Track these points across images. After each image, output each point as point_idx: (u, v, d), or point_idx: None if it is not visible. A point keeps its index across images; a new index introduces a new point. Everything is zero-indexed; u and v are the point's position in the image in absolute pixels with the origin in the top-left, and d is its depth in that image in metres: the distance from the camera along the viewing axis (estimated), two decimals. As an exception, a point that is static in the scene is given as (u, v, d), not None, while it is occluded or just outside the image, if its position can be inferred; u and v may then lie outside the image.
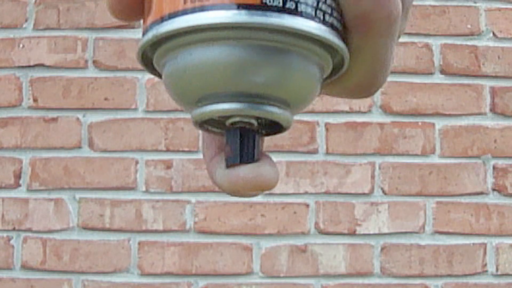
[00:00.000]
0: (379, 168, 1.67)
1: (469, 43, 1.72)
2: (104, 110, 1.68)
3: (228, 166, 0.30)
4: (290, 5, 0.28)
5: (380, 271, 1.65)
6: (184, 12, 0.28)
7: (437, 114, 1.70)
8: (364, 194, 1.67)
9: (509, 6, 1.73)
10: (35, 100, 1.68)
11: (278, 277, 1.65)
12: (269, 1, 0.27)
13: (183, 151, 1.67)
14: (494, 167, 1.68)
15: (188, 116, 1.68)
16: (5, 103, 1.69)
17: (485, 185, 1.67)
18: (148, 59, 0.31)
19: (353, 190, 1.67)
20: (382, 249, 1.66)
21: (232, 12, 0.27)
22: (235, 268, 1.65)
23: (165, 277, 1.65)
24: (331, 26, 0.29)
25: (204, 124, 0.31)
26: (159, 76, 0.32)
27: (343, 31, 0.30)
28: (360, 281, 1.65)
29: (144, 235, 1.66)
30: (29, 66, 1.69)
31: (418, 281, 1.65)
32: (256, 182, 0.29)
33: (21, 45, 1.70)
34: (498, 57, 1.71)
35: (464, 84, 1.70)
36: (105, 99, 1.68)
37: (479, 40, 1.72)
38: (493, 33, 1.72)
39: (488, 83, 1.70)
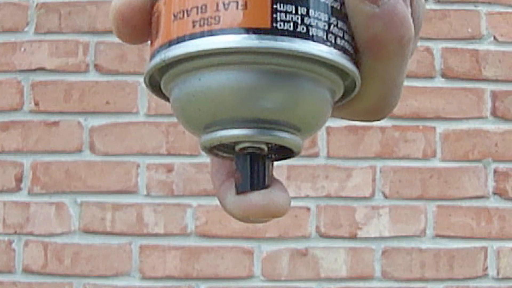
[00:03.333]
0: (380, 171, 1.68)
1: (470, 47, 1.72)
2: (105, 114, 1.68)
3: (238, 192, 0.29)
4: (301, 29, 0.27)
5: (381, 275, 1.65)
6: (193, 36, 0.27)
7: (438, 118, 1.70)
8: (365, 197, 1.67)
9: (510, 10, 1.73)
10: (36, 104, 1.68)
11: (279, 280, 1.65)
12: (280, 25, 0.27)
13: (184, 155, 1.67)
14: (495, 171, 1.68)
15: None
16: (6, 106, 1.69)
17: (486, 189, 1.68)
18: (155, 82, 0.31)
19: (354, 194, 1.67)
20: (383, 252, 1.66)
21: (241, 37, 0.27)
22: (236, 272, 1.65)
23: (166, 280, 1.65)
24: (343, 49, 0.28)
25: (213, 149, 0.31)
26: (167, 99, 0.31)
27: (354, 54, 0.29)
28: (361, 284, 1.65)
29: (145, 238, 1.66)
30: (31, 70, 1.69)
31: (419, 285, 1.65)
32: (267, 209, 0.28)
33: (22, 49, 1.70)
34: (499, 61, 1.71)
35: (465, 88, 1.71)
36: (107, 103, 1.69)
37: (480, 44, 1.72)
38: (494, 37, 1.72)
39: (489, 87, 1.71)
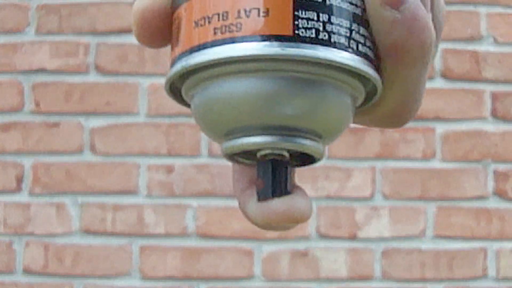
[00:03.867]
0: (380, 172, 1.68)
1: (470, 47, 1.72)
2: (105, 115, 1.68)
3: (260, 199, 0.29)
4: (323, 35, 0.27)
5: (381, 275, 1.66)
6: (214, 43, 0.27)
7: (438, 119, 1.70)
8: (365, 198, 1.67)
9: (509, 11, 1.73)
10: (37, 104, 1.69)
11: (280, 281, 1.65)
12: (302, 32, 0.27)
13: (184, 155, 1.67)
14: (494, 172, 1.68)
15: (189, 120, 1.68)
16: (7, 107, 1.69)
17: (486, 189, 1.68)
18: (176, 89, 0.31)
19: (354, 195, 1.67)
20: (383, 253, 1.66)
21: (263, 44, 0.27)
22: (236, 272, 1.65)
23: (167, 281, 1.65)
24: (365, 56, 0.28)
25: (235, 156, 0.31)
26: (188, 106, 0.31)
27: (376, 60, 0.29)
28: (361, 285, 1.65)
29: (146, 239, 1.66)
30: (31, 71, 1.70)
31: (419, 285, 1.66)
32: (289, 215, 0.29)
33: (23, 50, 1.70)
34: (499, 62, 1.72)
35: (464, 88, 1.71)
36: (107, 103, 1.69)
37: (480, 44, 1.72)
38: (494, 38, 1.72)
39: (488, 88, 1.71)
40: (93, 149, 1.68)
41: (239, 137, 0.29)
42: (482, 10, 1.73)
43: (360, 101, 0.30)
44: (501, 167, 1.69)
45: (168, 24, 0.30)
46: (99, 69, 1.70)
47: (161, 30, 0.30)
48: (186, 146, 1.68)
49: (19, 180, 1.67)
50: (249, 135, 0.28)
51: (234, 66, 0.27)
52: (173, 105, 1.69)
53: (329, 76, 0.28)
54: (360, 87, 0.29)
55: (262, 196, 0.29)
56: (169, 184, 1.67)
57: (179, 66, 0.28)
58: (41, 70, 1.70)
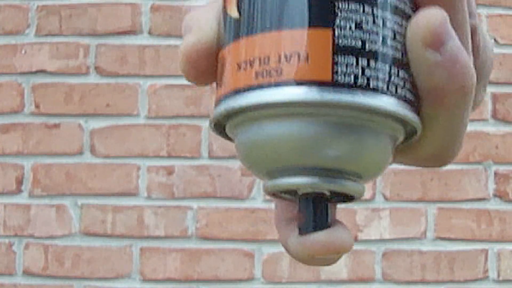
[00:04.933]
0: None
1: (471, 49, 1.72)
2: (106, 116, 1.68)
3: (301, 233, 0.30)
4: (361, 81, 0.28)
5: (382, 277, 1.66)
6: (255, 87, 0.28)
7: (439, 120, 1.70)
8: (365, 200, 1.67)
9: (510, 12, 1.73)
10: (37, 106, 1.69)
11: (280, 283, 1.65)
12: (341, 78, 0.28)
13: (185, 157, 1.67)
14: (495, 173, 1.68)
15: (189, 122, 1.68)
16: (7, 109, 1.69)
17: (487, 191, 1.68)
18: (221, 126, 0.32)
19: (354, 196, 1.67)
20: (383, 255, 1.66)
21: (302, 90, 0.28)
22: (236, 274, 1.65)
23: (167, 283, 1.65)
24: (403, 98, 0.29)
25: (277, 193, 0.32)
26: (232, 141, 0.33)
27: (416, 101, 0.30)
28: (361, 287, 1.65)
29: (146, 241, 1.66)
30: (31, 72, 1.69)
31: (419, 287, 1.66)
32: (331, 246, 0.29)
33: (23, 51, 1.70)
34: (500, 64, 1.71)
35: (465, 90, 1.71)
36: (107, 105, 1.69)
37: (481, 46, 1.72)
38: (495, 39, 1.72)
39: (489, 89, 1.71)
40: (93, 150, 1.68)
41: (280, 177, 0.30)
42: (483, 11, 1.73)
43: (400, 140, 0.31)
44: (502, 168, 1.68)
45: (214, 63, 0.31)
46: (99, 71, 1.69)
47: (207, 69, 0.31)
48: (186, 148, 1.68)
49: (19, 181, 1.67)
50: (290, 176, 0.29)
51: (274, 110, 0.28)
52: (173, 107, 1.69)
53: (368, 120, 0.29)
54: (399, 128, 0.30)
55: (304, 230, 0.30)
56: (169, 186, 1.67)
57: (222, 108, 0.29)
58: (41, 72, 1.70)
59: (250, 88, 0.28)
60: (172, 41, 1.70)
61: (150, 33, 1.70)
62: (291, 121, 0.28)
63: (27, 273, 1.65)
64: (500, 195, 1.68)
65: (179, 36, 1.70)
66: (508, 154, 1.69)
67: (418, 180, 1.68)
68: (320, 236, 0.29)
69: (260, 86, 0.28)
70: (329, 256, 0.30)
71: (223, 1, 0.31)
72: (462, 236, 1.67)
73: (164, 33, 1.70)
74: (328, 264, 0.31)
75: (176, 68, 1.69)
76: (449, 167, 1.68)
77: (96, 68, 1.70)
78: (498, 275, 1.66)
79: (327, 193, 0.30)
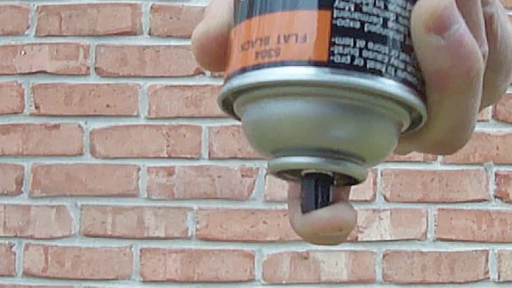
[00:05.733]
0: (381, 175, 1.67)
1: (471, 50, 1.72)
2: (106, 117, 1.68)
3: (303, 211, 0.30)
4: (358, 62, 0.28)
5: (382, 278, 1.65)
6: (255, 67, 0.29)
7: (439, 121, 1.70)
8: (366, 201, 1.67)
9: (511, 13, 1.73)
10: (37, 107, 1.68)
11: (280, 284, 1.65)
12: (337, 59, 0.28)
13: (185, 158, 1.67)
14: (496, 174, 1.68)
15: (190, 122, 1.68)
16: (7, 110, 1.69)
17: (487, 192, 1.67)
18: (229, 103, 0.32)
19: (355, 197, 1.67)
20: (384, 256, 1.66)
21: (298, 69, 0.28)
22: (237, 275, 1.65)
23: (167, 284, 1.65)
24: (404, 81, 0.29)
25: (280, 173, 0.32)
26: (239, 120, 0.33)
27: (420, 86, 0.29)
28: (362, 288, 1.65)
29: (146, 242, 1.66)
30: (31, 73, 1.69)
31: (420, 288, 1.66)
32: (333, 222, 0.29)
33: (23, 52, 1.70)
34: (500, 64, 1.71)
35: (466, 91, 1.70)
36: (107, 106, 1.69)
37: (481, 47, 1.72)
38: (495, 40, 1.72)
39: (490, 90, 1.70)
40: (93, 151, 1.67)
41: (284, 156, 0.30)
42: (484, 12, 1.72)
43: (405, 126, 0.31)
44: (503, 169, 1.68)
45: (225, 48, 0.31)
46: (99, 71, 1.69)
47: (218, 54, 0.31)
48: (186, 149, 1.67)
49: (19, 182, 1.67)
50: (294, 155, 0.30)
51: (272, 90, 0.29)
52: (173, 108, 1.68)
53: (368, 102, 0.29)
54: (403, 112, 0.30)
55: (305, 208, 0.30)
56: (170, 186, 1.67)
57: (225, 87, 0.30)
58: (41, 72, 1.69)
59: (250, 68, 0.29)
60: (173, 42, 1.70)
61: (150, 34, 1.70)
62: (289, 101, 0.29)
63: (27, 274, 1.65)
64: (500, 196, 1.68)
65: (180, 37, 1.70)
66: (508, 155, 1.69)
67: (419, 181, 1.68)
68: (321, 213, 0.29)
69: (259, 66, 0.29)
70: (332, 234, 0.29)
71: None
72: (463, 237, 1.67)
73: (164, 34, 1.70)
74: (334, 243, 0.31)
75: (176, 69, 1.69)
76: (449, 168, 1.68)
77: (96, 69, 1.69)
78: (499, 276, 1.66)
79: (330, 174, 0.30)
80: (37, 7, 1.71)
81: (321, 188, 0.30)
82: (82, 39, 1.70)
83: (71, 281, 1.65)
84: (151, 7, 1.70)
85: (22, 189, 1.67)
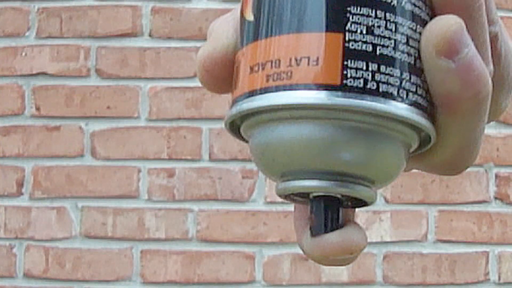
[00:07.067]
0: (382, 176, 1.68)
1: (471, 51, 1.72)
2: (106, 119, 1.68)
3: (313, 235, 0.30)
4: (371, 85, 0.28)
5: (383, 280, 1.65)
6: (266, 90, 0.28)
7: (439, 123, 1.70)
8: (366, 202, 1.67)
9: (511, 15, 1.73)
10: (37, 108, 1.69)
11: (281, 285, 1.65)
12: (350, 82, 0.28)
13: (185, 159, 1.67)
14: (496, 176, 1.68)
15: (190, 124, 1.68)
16: (7, 111, 1.69)
17: (488, 193, 1.68)
18: (236, 126, 0.32)
19: (355, 199, 1.67)
20: (384, 257, 1.66)
21: (311, 93, 0.28)
22: (237, 277, 1.65)
23: (168, 285, 1.65)
24: (415, 104, 0.29)
25: (289, 196, 0.32)
26: (245, 141, 0.33)
27: (430, 108, 0.30)
28: (362, 289, 1.65)
29: (147, 243, 1.66)
30: (32, 75, 1.69)
31: (420, 290, 1.66)
32: (344, 245, 0.29)
33: (23, 54, 1.70)
34: (500, 66, 1.71)
35: (466, 92, 1.71)
36: (108, 107, 1.69)
37: (481, 48, 1.72)
38: (495, 41, 1.72)
39: (490, 92, 1.71)
40: (93, 153, 1.67)
41: (291, 180, 0.30)
42: (484, 13, 1.73)
43: (414, 147, 0.31)
44: (503, 171, 1.68)
45: (230, 71, 0.31)
46: (100, 73, 1.69)
47: (223, 77, 0.31)
48: (187, 150, 1.67)
49: (20, 184, 1.67)
50: (301, 179, 0.29)
51: (283, 113, 0.29)
52: (174, 109, 1.69)
53: (379, 125, 0.28)
54: (412, 134, 0.30)
55: (315, 232, 0.30)
56: (170, 188, 1.67)
57: (234, 110, 0.30)
58: (42, 74, 1.69)
59: (261, 91, 0.29)
60: (173, 44, 1.70)
61: (150, 35, 1.70)
62: (300, 124, 0.28)
63: (27, 275, 1.65)
64: (501, 198, 1.68)
65: (180, 39, 1.70)
66: (509, 157, 1.69)
67: (419, 182, 1.68)
68: (332, 237, 0.29)
69: (271, 89, 0.28)
70: (343, 257, 0.30)
71: (241, 5, 0.31)
72: (463, 238, 1.67)
73: (164, 36, 1.70)
74: (345, 264, 0.31)
75: (176, 71, 1.69)
76: (450, 169, 1.68)
77: (96, 70, 1.70)
78: (499, 278, 1.66)
79: (340, 197, 0.30)
80: (38, 8, 1.71)
81: (331, 211, 0.30)
82: (83, 41, 1.70)
83: (71, 283, 1.65)
84: (152, 8, 1.70)
85: (23, 190, 1.67)
